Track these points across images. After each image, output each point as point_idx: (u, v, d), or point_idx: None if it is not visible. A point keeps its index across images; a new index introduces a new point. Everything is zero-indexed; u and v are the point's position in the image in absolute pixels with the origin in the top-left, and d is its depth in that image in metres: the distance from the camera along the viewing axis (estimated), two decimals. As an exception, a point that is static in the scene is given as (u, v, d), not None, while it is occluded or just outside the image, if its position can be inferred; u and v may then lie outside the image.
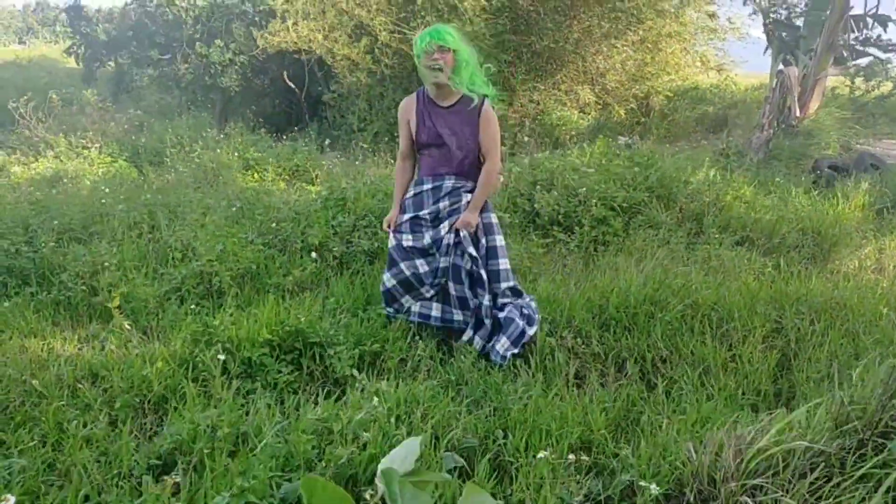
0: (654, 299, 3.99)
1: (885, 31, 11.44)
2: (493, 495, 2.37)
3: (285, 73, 13.40)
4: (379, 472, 2.02)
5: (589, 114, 12.59)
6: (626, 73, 12.84)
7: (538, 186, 6.06)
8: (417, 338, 3.58)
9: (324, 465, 2.38)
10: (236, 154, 8.71)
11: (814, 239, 5.70)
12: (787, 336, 3.73)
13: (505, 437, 2.70)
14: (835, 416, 2.41)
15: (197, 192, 6.69)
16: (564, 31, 11.87)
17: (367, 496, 2.09)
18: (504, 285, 3.51)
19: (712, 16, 13.24)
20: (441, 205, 3.47)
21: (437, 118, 3.42)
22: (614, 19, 11.88)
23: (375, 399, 2.74)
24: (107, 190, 6.44)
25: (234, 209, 5.71)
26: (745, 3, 11.81)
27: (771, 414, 2.64)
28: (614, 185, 6.06)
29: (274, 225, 5.14)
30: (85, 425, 2.69)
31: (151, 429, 2.83)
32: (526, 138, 10.21)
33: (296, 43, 11.68)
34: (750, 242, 5.58)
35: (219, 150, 8.81)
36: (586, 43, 12.23)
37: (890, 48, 12.31)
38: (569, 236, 5.46)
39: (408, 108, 3.49)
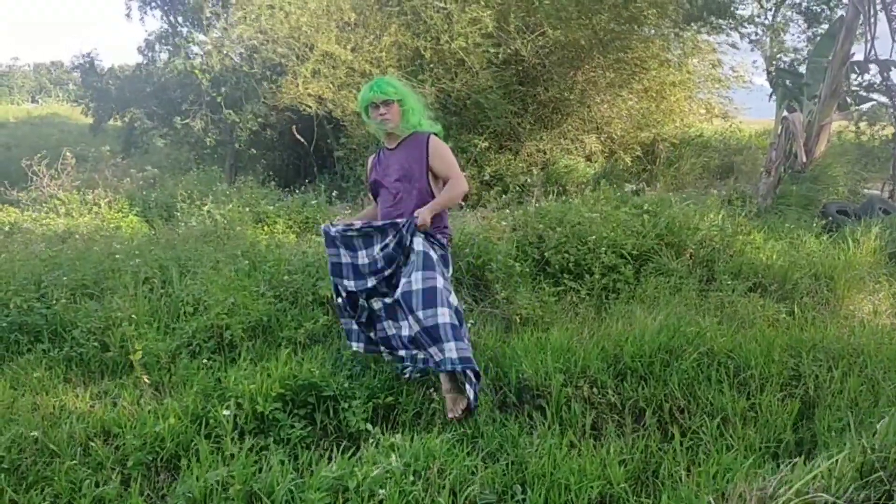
0: (670, 347, 3.96)
1: (887, 75, 11.54)
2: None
3: (294, 126, 13.62)
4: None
5: (595, 162, 12.70)
6: (632, 121, 12.99)
7: (547, 234, 6.08)
8: (431, 389, 3.56)
9: (339, 523, 2.34)
10: (247, 207, 8.78)
11: (827, 284, 5.67)
12: (805, 384, 3.69)
13: (524, 492, 2.66)
14: (858, 465, 2.37)
15: (208, 246, 6.73)
16: (570, 81, 12.06)
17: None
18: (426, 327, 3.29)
19: (716, 65, 13.45)
20: (382, 249, 3.55)
21: (387, 160, 3.65)
22: (619, 69, 12.08)
23: (392, 455, 2.71)
24: (118, 245, 6.49)
25: (244, 262, 5.74)
26: (752, 49, 11.95)
27: (792, 464, 2.60)
28: (623, 233, 6.07)
29: (285, 277, 5.16)
30: (97, 485, 2.67)
31: (164, 487, 2.80)
32: (533, 188, 10.29)
33: (306, 99, 11.90)
34: (762, 288, 5.56)
35: (229, 205, 8.90)
36: (591, 93, 12.42)
37: (894, 93, 12.44)
38: (580, 284, 5.46)
39: (371, 162, 3.79)
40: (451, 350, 3.17)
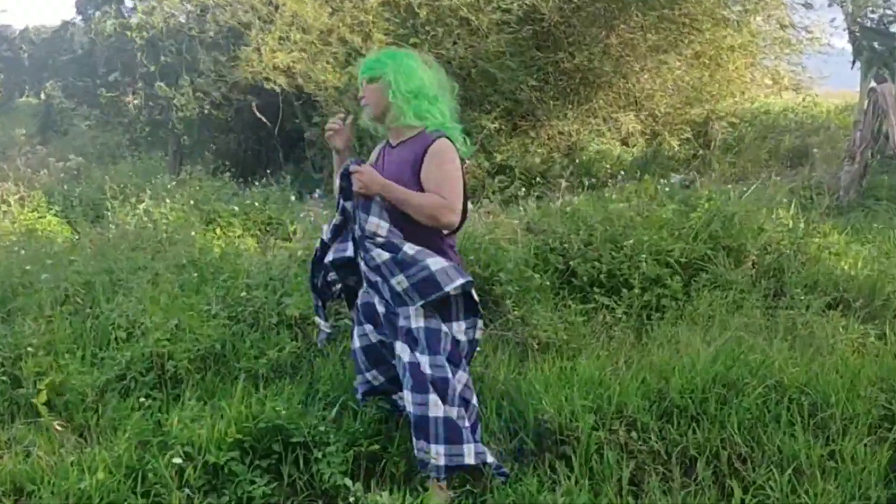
0: (727, 380, 3.96)
1: None
2: None
3: (254, 104, 13.64)
4: None
5: (634, 146, 12.75)
6: (680, 94, 13.02)
7: (573, 238, 6.09)
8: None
9: None
10: (194, 205, 8.80)
11: (928, 300, 5.68)
12: (899, 425, 3.70)
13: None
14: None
15: (145, 255, 6.74)
16: (602, 45, 12.10)
17: None
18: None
19: (785, 25, 13.45)
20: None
21: (387, 157, 3.50)
22: (663, 30, 12.10)
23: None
24: (33, 254, 6.50)
25: (192, 275, 5.75)
26: (830, 5, 11.96)
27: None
28: (669, 236, 6.07)
29: (243, 294, 5.16)
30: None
31: (90, 559, 2.81)
32: (557, 179, 10.32)
33: (272, 74, 11.91)
34: (845, 305, 5.55)
35: (172, 202, 8.92)
36: (629, 59, 12.45)
37: None
38: (614, 301, 5.46)
39: (374, 153, 3.65)
40: (438, 455, 3.15)
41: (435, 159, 3.29)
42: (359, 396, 3.78)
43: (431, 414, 3.13)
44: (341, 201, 3.43)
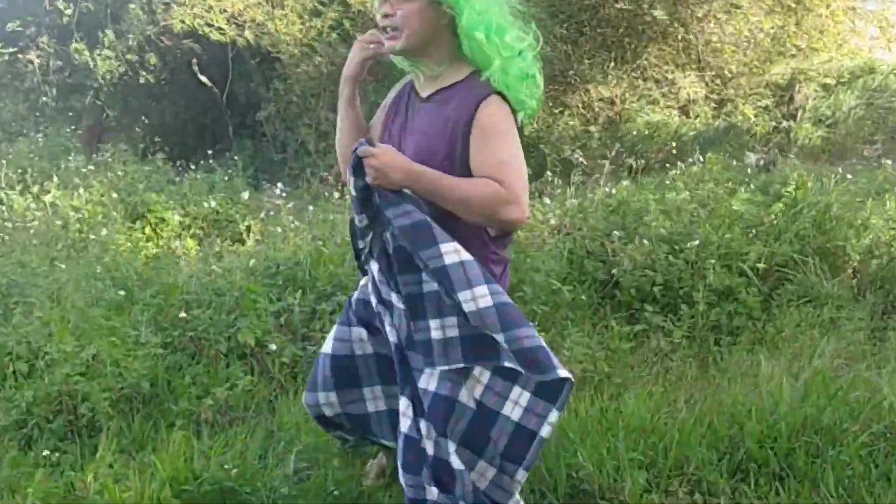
0: (821, 426, 3.95)
1: None
2: None
3: (196, 62, 13.62)
4: None
5: (696, 117, 12.71)
6: (756, 48, 12.99)
7: (617, 239, 6.08)
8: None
9: None
10: (116, 196, 8.79)
11: None
12: None
13: None
14: None
15: (52, 262, 6.74)
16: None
17: None
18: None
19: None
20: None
21: (412, 117, 3.12)
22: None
23: None
24: None
25: (113, 289, 5.74)
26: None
27: None
28: (744, 236, 6.08)
29: (181, 314, 5.16)
30: None
31: None
32: (597, 161, 10.29)
33: (217, 19, 11.90)
34: (979, 326, 5.56)
35: (87, 192, 8.91)
36: (689, 3, 12.43)
37: None
38: (671, 320, 5.46)
39: (387, 102, 3.29)
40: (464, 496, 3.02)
41: (487, 129, 2.91)
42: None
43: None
44: (357, 198, 3.01)
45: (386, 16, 2.91)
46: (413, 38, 2.91)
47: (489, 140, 2.89)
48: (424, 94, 3.06)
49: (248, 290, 5.40)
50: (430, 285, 2.86)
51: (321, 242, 6.50)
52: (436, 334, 2.90)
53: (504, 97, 2.94)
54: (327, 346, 3.39)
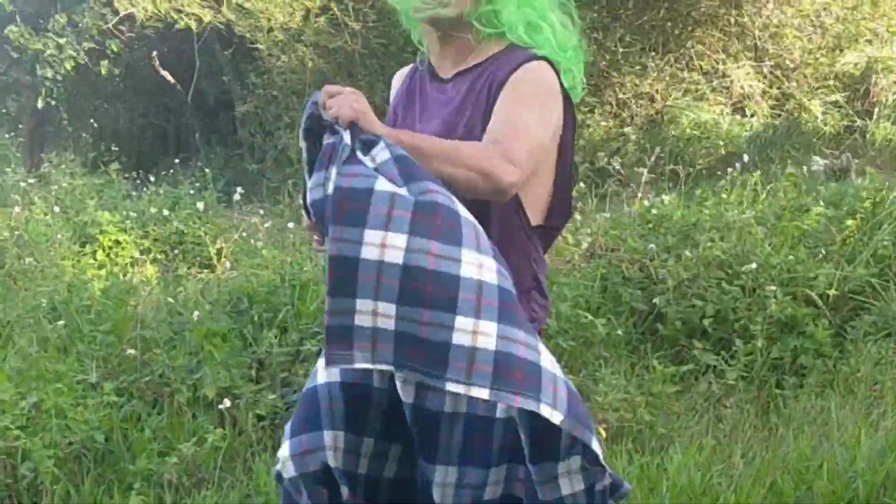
0: (907, 485, 3.95)
1: None
2: None
3: (155, 55, 13.66)
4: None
5: (752, 115, 12.73)
6: (824, 33, 13.03)
7: (660, 263, 6.08)
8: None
9: None
10: (61, 213, 8.83)
11: None
12: None
13: None
14: None
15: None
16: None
17: None
18: None
19: None
20: None
21: (428, 103, 3.10)
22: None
23: None
24: None
25: (57, 323, 5.75)
26: None
27: None
28: (811, 258, 6.07)
29: (139, 356, 5.17)
30: None
31: None
32: (634, 168, 10.29)
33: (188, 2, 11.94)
34: None
35: (27, 209, 8.95)
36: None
37: None
38: (724, 359, 5.45)
39: (393, 84, 3.31)
40: None
41: (517, 87, 2.85)
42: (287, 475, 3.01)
43: None
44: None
45: None
46: (463, 4, 2.85)
47: (515, 100, 2.84)
48: (447, 74, 3.02)
49: (217, 329, 5.40)
50: None
51: (305, 270, 6.47)
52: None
53: (553, 66, 2.90)
54: (317, 375, 3.00)
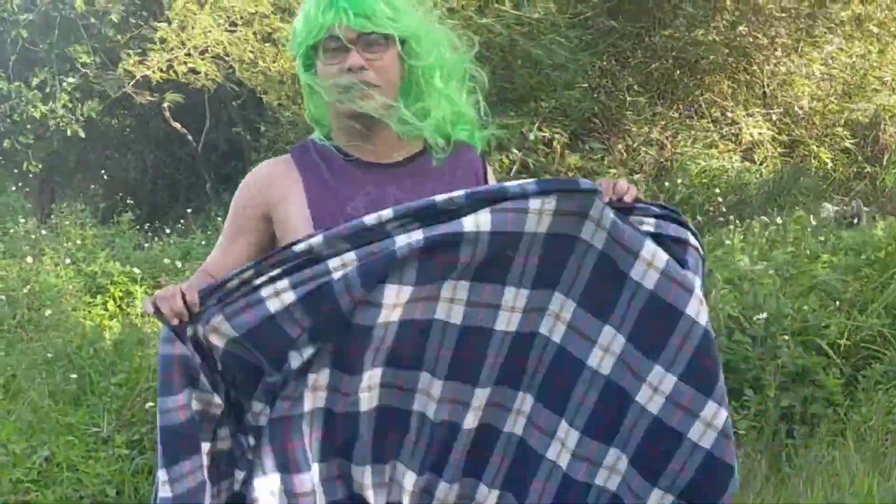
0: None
1: None
2: None
3: (167, 107, 13.69)
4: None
5: (762, 162, 12.72)
6: (833, 81, 13.04)
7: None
8: None
9: None
10: (71, 264, 8.84)
11: None
12: None
13: None
14: None
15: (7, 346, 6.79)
16: (709, 9, 12.15)
17: None
18: None
19: None
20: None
21: (380, 190, 2.88)
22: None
23: None
24: None
25: (69, 375, 5.75)
26: None
27: None
28: (822, 307, 6.06)
29: (150, 405, 5.16)
30: None
31: None
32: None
33: (201, 65, 11.99)
34: None
35: (37, 260, 8.96)
36: (753, 30, 12.51)
37: None
38: (735, 408, 5.43)
39: (269, 183, 2.91)
40: None
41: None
42: None
43: None
44: None
45: (351, 70, 2.71)
46: (390, 92, 2.79)
47: None
48: (385, 159, 2.88)
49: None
50: None
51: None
52: None
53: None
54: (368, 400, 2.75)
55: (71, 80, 13.05)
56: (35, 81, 13.02)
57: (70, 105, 13.04)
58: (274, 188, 2.86)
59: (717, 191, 11.74)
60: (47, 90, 13.09)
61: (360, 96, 2.73)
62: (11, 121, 13.52)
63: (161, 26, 12.13)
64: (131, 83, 12.83)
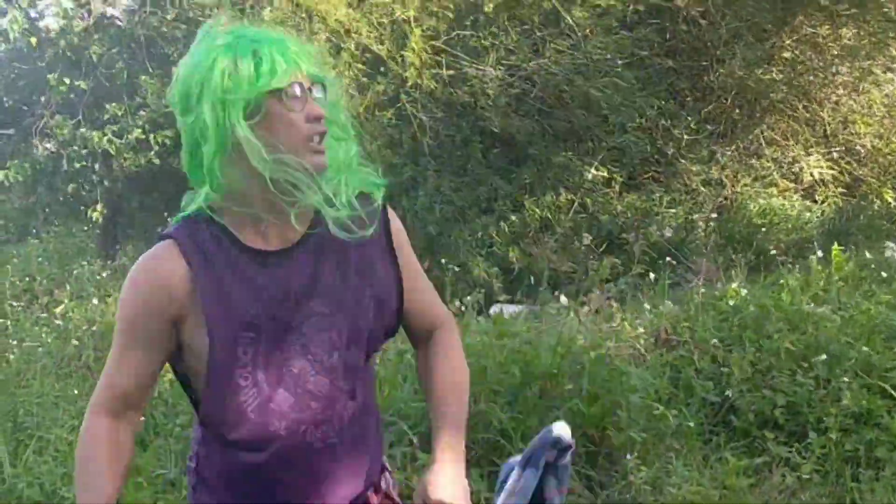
0: None
1: None
2: None
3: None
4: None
5: (823, 201, 12.64)
6: (894, 119, 12.95)
7: (732, 354, 6.05)
8: None
9: None
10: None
11: None
12: None
13: None
14: None
15: (66, 383, 6.84)
16: (768, 47, 12.13)
17: None
18: None
19: None
20: None
21: (277, 291, 2.51)
22: (864, 21, 12.09)
23: None
24: None
25: (140, 419, 5.80)
26: None
27: None
28: (887, 349, 6.00)
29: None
30: None
31: None
32: (702, 256, 10.24)
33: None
34: None
35: (103, 302, 9.04)
36: (813, 67, 12.47)
37: None
38: (799, 451, 5.40)
39: (167, 283, 2.43)
40: None
41: (407, 247, 2.74)
42: None
43: None
44: None
45: (318, 119, 2.41)
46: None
47: (405, 248, 2.74)
48: (272, 246, 2.51)
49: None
50: None
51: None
52: None
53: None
54: None
55: (142, 112, 13.20)
56: (105, 117, 13.19)
57: (143, 136, 13.16)
58: (164, 286, 2.44)
59: (779, 229, 11.70)
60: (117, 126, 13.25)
61: (318, 150, 2.43)
62: (78, 163, 13.69)
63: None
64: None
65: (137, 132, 13.22)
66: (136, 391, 2.52)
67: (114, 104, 13.34)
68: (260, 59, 2.34)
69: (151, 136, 13.24)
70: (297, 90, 2.36)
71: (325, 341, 2.50)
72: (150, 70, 13.41)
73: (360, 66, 11.81)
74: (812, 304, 6.66)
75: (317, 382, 2.49)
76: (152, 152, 13.17)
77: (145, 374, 2.50)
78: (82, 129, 13.22)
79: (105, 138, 13.07)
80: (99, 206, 13.84)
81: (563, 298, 7.40)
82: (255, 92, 2.33)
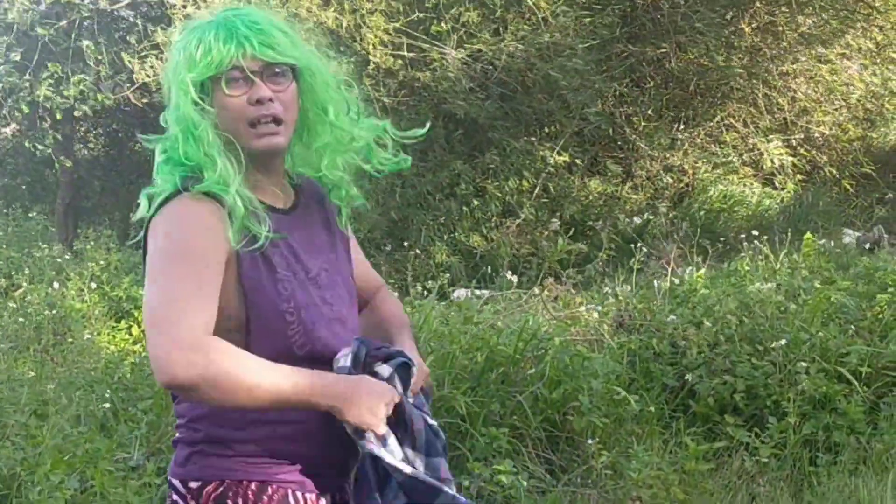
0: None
1: None
2: None
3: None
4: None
5: (783, 188, 12.68)
6: (852, 108, 13.00)
7: (691, 338, 6.06)
8: None
9: None
10: (97, 288, 8.86)
11: None
12: None
13: None
14: None
15: (23, 369, 6.80)
16: (728, 34, 12.16)
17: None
18: None
19: None
20: None
21: (294, 241, 2.67)
22: (822, 8, 12.13)
23: None
24: None
25: (104, 406, 5.74)
26: None
27: None
28: (843, 333, 6.04)
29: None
30: None
31: None
32: (663, 242, 10.25)
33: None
34: None
35: (63, 285, 8.98)
36: (772, 55, 12.50)
37: None
38: (758, 436, 5.42)
39: (217, 225, 2.47)
40: None
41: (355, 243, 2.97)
42: None
43: None
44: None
45: (260, 102, 2.49)
46: (290, 132, 2.62)
47: (355, 244, 2.98)
48: (284, 203, 2.67)
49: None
50: None
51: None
52: None
53: None
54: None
55: (81, 76, 13.07)
56: (45, 74, 13.05)
57: (81, 96, 13.04)
58: (216, 228, 2.47)
59: (738, 216, 11.73)
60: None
61: (270, 133, 2.53)
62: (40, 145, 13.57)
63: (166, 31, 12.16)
64: (132, 88, 12.89)
65: (75, 90, 13.07)
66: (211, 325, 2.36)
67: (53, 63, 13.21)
68: (200, 45, 2.46)
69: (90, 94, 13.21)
70: (236, 74, 2.46)
71: (335, 294, 2.65)
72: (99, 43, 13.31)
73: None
74: (768, 288, 6.68)
75: (332, 328, 2.60)
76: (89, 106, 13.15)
77: (215, 309, 2.38)
78: (41, 95, 13.07)
79: (45, 88, 12.94)
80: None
81: (517, 281, 7.49)
82: (199, 78, 2.47)
